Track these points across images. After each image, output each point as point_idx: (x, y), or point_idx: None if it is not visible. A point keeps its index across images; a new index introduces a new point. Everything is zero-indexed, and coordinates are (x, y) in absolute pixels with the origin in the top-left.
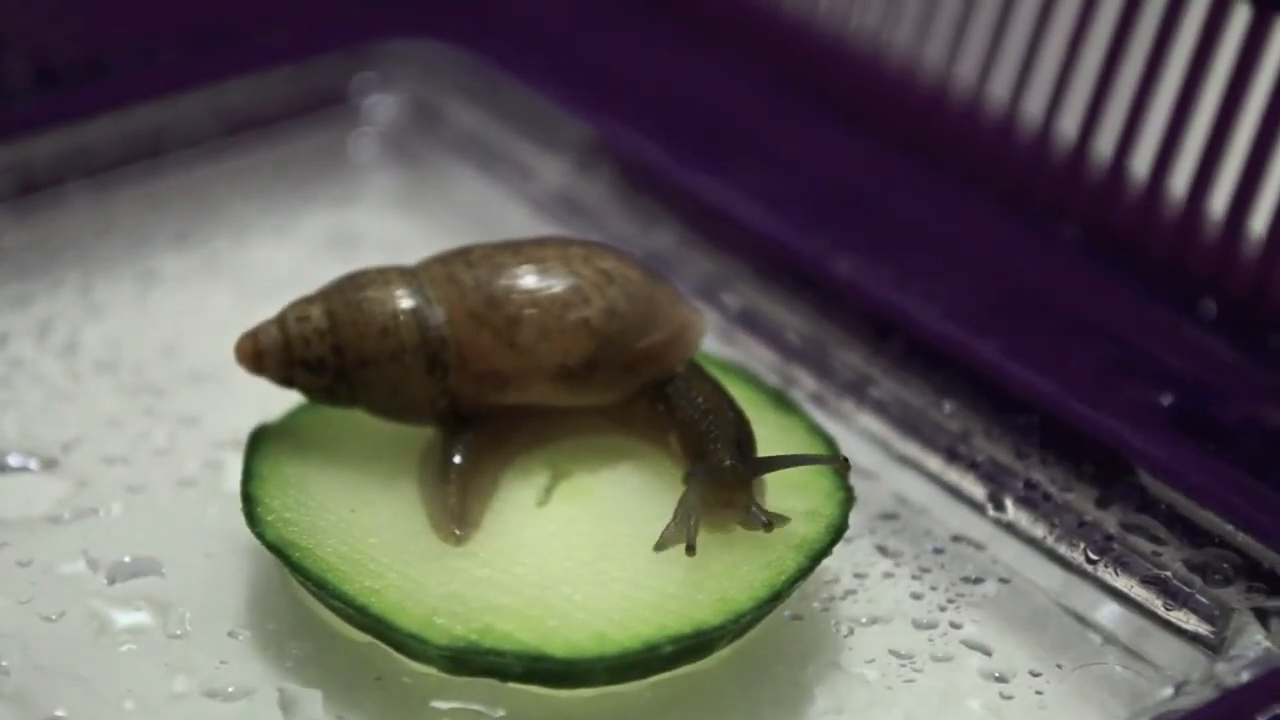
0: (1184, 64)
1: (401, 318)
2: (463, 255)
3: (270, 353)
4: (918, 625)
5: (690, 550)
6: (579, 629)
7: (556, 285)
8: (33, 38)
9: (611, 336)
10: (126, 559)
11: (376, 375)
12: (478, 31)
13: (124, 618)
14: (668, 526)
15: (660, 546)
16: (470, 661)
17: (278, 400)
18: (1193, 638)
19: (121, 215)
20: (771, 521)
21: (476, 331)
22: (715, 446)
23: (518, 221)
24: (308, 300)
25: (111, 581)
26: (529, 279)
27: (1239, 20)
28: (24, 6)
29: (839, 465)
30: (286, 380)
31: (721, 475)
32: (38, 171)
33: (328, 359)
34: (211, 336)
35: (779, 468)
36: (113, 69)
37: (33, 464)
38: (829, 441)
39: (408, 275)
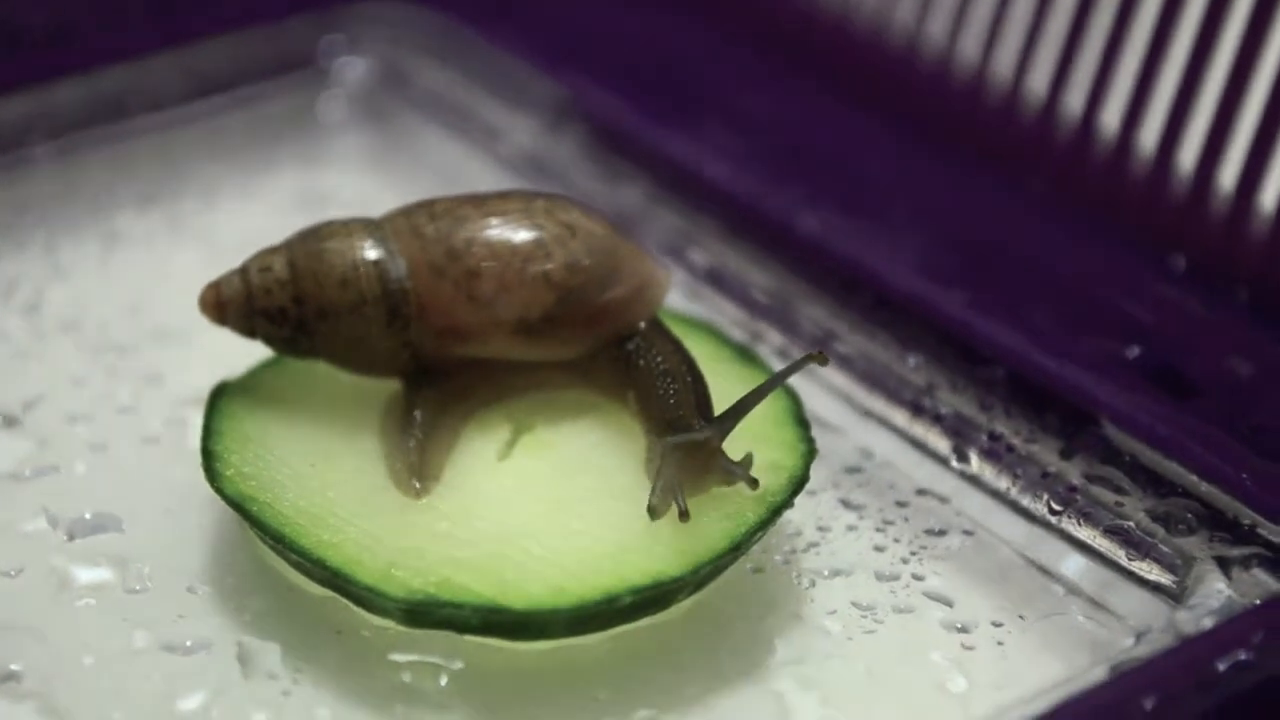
0: (1152, 20)
1: (362, 269)
2: (426, 207)
3: (232, 302)
4: (880, 577)
5: (684, 516)
6: (536, 581)
7: (517, 238)
8: None
9: (572, 290)
10: (87, 516)
11: (336, 326)
12: None
13: (84, 574)
14: (652, 498)
15: (653, 516)
16: (427, 614)
17: (242, 358)
18: (1155, 587)
19: (87, 177)
20: (755, 478)
21: (436, 284)
22: (681, 412)
23: (487, 182)
24: (271, 250)
25: (71, 538)
26: (490, 231)
27: None
28: None
29: (817, 359)
30: (249, 330)
31: (695, 441)
32: (3, 134)
33: (289, 309)
34: (177, 296)
35: (745, 412)
36: (80, 32)
37: None
38: (792, 395)
39: (371, 227)
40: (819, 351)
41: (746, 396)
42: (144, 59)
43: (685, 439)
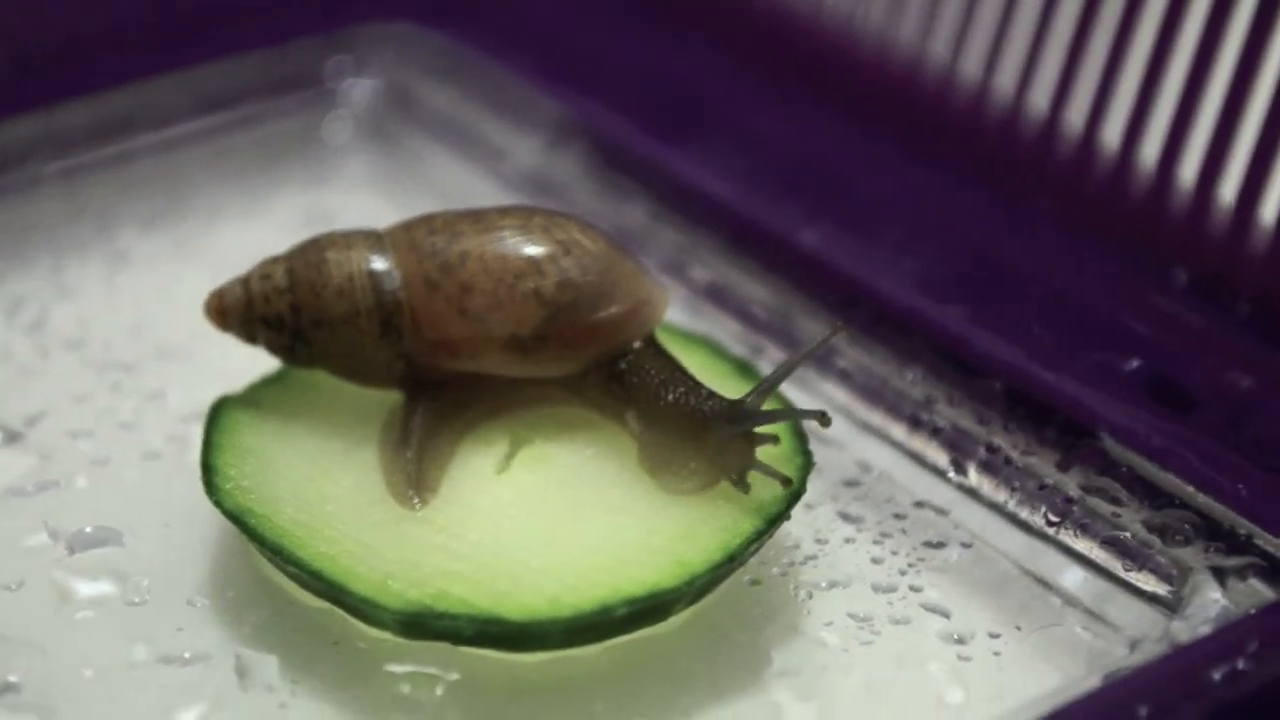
0: (1152, 36)
1: (357, 280)
2: (426, 221)
3: (233, 309)
4: (877, 589)
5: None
6: (532, 592)
7: (511, 254)
8: (7, 23)
9: (564, 307)
10: (88, 530)
11: (332, 336)
12: (451, 14)
13: (84, 587)
14: (741, 489)
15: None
16: (424, 625)
17: (245, 375)
18: (1151, 598)
19: (93, 198)
20: (775, 435)
21: (430, 298)
22: (711, 402)
23: (491, 201)
24: (274, 259)
25: (72, 551)
26: (485, 247)
27: None
28: None
29: (838, 331)
30: (250, 337)
31: (739, 416)
32: (10, 155)
33: (286, 317)
34: (180, 315)
35: (773, 387)
36: (88, 54)
37: None
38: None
39: (371, 239)
40: (839, 324)
41: (773, 373)
42: (150, 81)
43: (740, 428)
